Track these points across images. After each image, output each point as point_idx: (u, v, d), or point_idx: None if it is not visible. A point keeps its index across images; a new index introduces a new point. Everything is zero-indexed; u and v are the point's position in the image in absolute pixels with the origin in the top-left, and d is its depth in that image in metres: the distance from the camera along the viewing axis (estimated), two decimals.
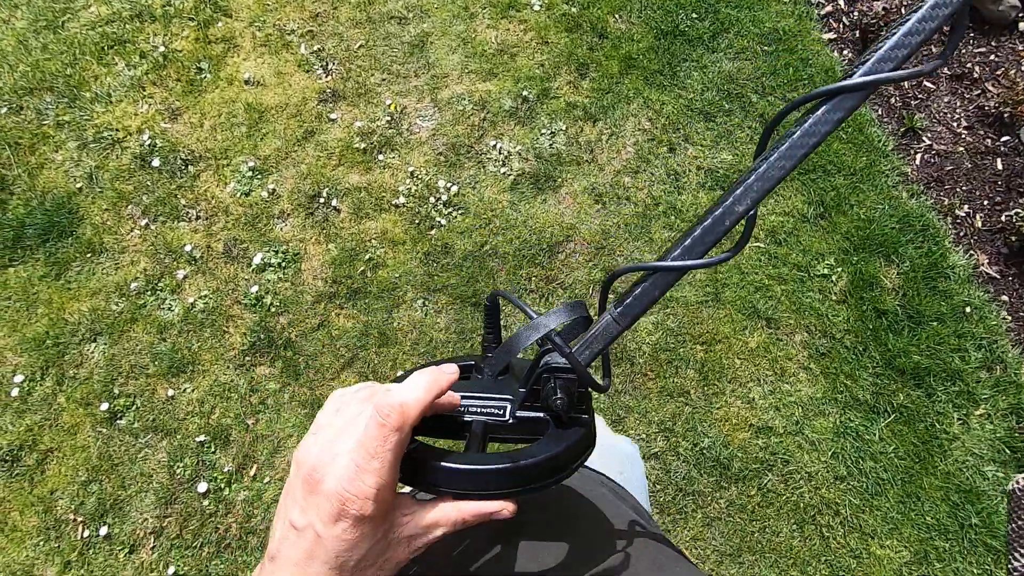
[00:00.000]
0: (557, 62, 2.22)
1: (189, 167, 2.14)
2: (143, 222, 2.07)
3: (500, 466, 0.36)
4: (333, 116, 2.18)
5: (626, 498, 0.71)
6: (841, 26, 2.26)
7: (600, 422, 1.36)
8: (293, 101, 2.21)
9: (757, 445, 1.69)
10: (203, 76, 2.27)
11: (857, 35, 2.22)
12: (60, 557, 1.68)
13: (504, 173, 2.07)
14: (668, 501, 1.65)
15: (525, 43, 2.27)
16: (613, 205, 2.00)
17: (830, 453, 1.66)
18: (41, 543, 1.70)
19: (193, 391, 1.84)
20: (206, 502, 1.71)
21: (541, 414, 0.40)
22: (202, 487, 1.71)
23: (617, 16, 2.29)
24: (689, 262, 0.35)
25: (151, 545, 1.69)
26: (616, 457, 0.89)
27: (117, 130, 2.19)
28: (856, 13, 2.25)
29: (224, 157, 2.14)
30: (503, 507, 0.37)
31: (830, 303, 1.82)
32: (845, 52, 2.21)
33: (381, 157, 2.11)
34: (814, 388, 1.73)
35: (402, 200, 2.04)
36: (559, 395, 0.38)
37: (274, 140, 2.16)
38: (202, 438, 1.77)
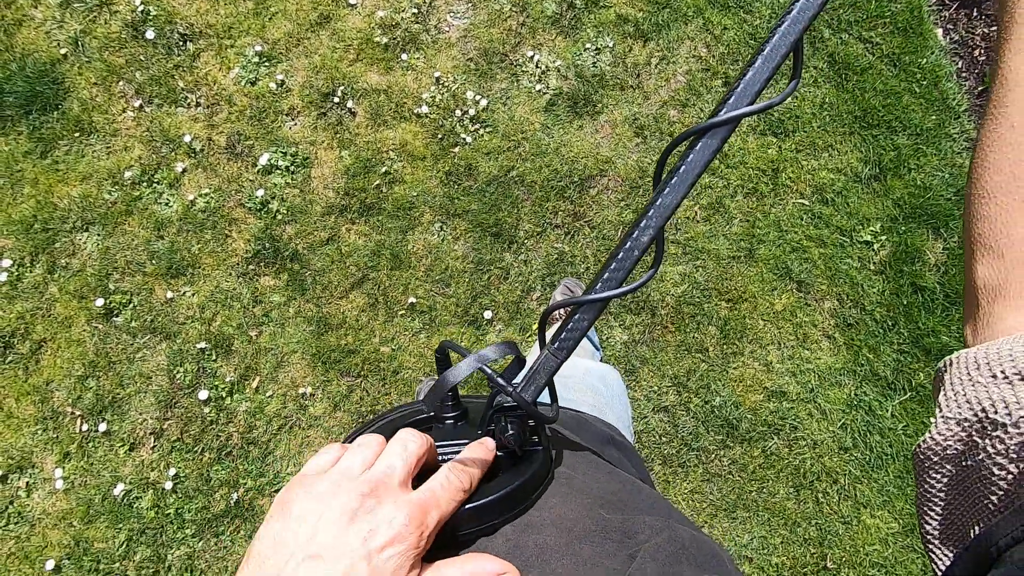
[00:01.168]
0: None
1: (188, 44, 1.90)
2: (136, 103, 1.87)
3: (475, 504, 0.38)
4: (352, 1, 1.92)
5: (586, 429, 0.71)
6: None
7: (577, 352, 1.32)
8: None
9: (768, 408, 1.67)
10: None
11: None
12: (59, 447, 1.68)
13: (539, 91, 1.87)
14: (672, 454, 1.65)
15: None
16: (654, 140, 1.84)
17: (839, 424, 1.65)
18: (39, 432, 1.68)
19: (193, 295, 1.76)
20: (207, 409, 1.69)
21: (498, 453, 0.42)
22: (203, 394, 1.67)
23: None
24: (612, 292, 0.40)
25: (151, 445, 1.68)
26: (586, 387, 0.91)
27: None
28: None
29: (228, 36, 1.90)
30: (504, 569, 0.34)
31: (867, 273, 1.74)
32: None
33: (404, 56, 1.89)
34: (834, 358, 1.70)
35: (425, 109, 1.85)
36: (511, 431, 0.40)
37: (284, 22, 1.91)
38: (203, 345, 1.71)
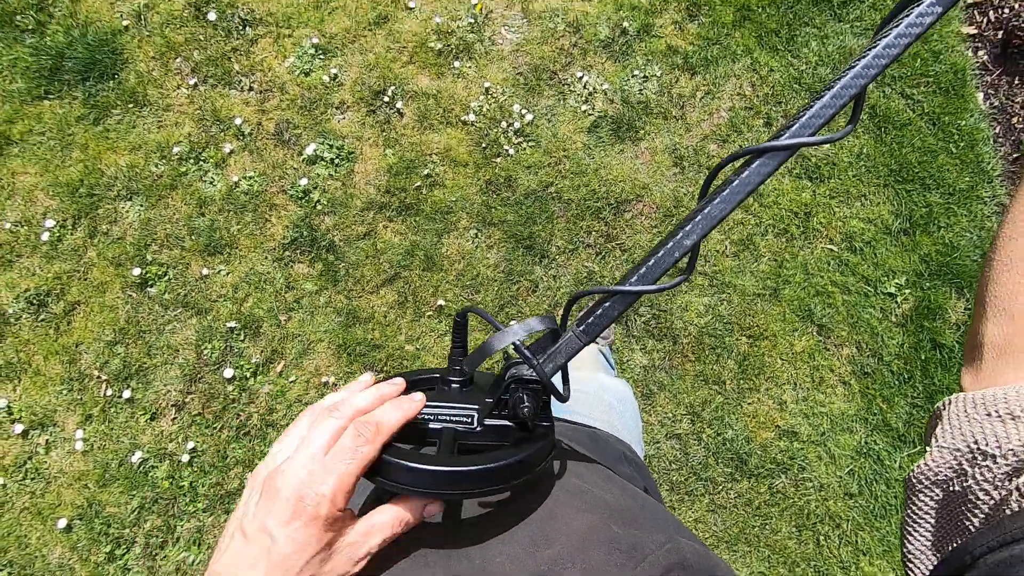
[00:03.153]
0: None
1: (247, 28, 1.95)
2: (191, 81, 1.91)
3: (476, 468, 0.39)
4: (411, 3, 1.96)
5: (598, 442, 0.73)
6: (985, 21, 2.02)
7: (587, 363, 1.36)
8: None
9: (778, 446, 1.70)
10: None
11: (1000, 36, 2.00)
12: (82, 409, 1.71)
13: (585, 111, 1.91)
14: (680, 481, 1.68)
15: None
16: (692, 172, 1.87)
17: (847, 469, 1.68)
18: (64, 391, 1.72)
19: (228, 274, 1.80)
20: (230, 387, 1.72)
21: (507, 422, 0.43)
22: (228, 372, 1.71)
23: None
24: (645, 287, 0.40)
25: (172, 416, 1.71)
26: (602, 404, 0.93)
27: None
28: (1006, 9, 2.00)
29: (287, 26, 1.95)
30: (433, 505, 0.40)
31: (888, 324, 1.77)
32: (981, 53, 2.00)
33: (457, 64, 1.93)
34: (848, 404, 1.72)
35: (472, 117, 1.89)
36: (526, 403, 0.42)
37: (343, 18, 1.96)
38: (232, 324, 1.75)
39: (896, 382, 1.72)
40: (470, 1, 1.97)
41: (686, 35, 1.96)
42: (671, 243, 0.40)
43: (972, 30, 2.02)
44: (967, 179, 1.86)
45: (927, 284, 1.78)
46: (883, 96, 1.91)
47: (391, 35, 1.95)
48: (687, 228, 0.39)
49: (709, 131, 1.91)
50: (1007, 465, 0.29)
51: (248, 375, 1.73)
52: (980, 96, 1.96)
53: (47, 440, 1.69)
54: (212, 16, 1.93)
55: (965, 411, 0.33)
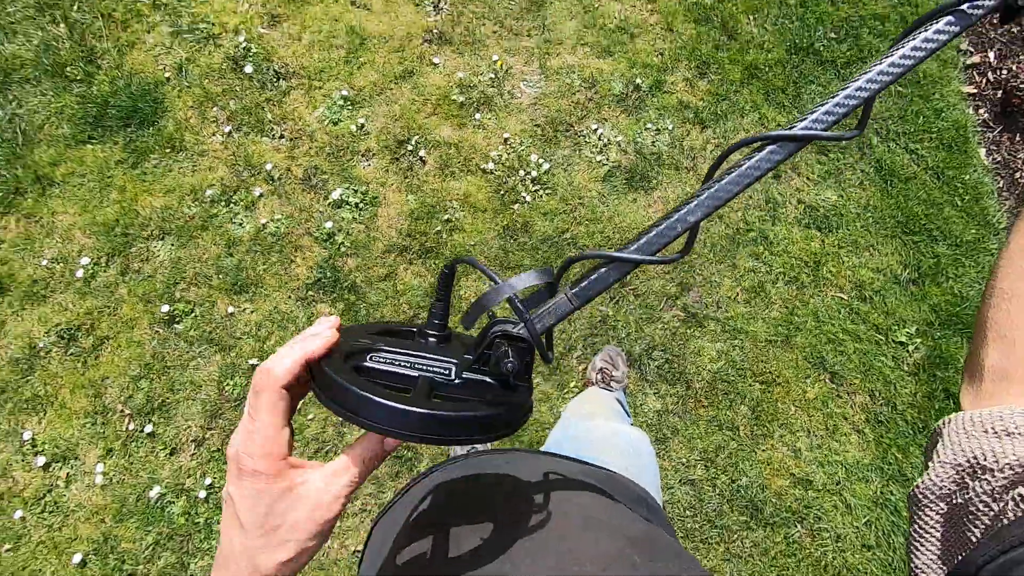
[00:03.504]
0: (678, 54, 2.09)
1: (281, 81, 2.07)
2: (226, 128, 2.02)
3: (460, 414, 0.38)
4: (436, 60, 2.08)
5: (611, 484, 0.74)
6: (985, 81, 2.11)
7: (604, 411, 1.37)
8: (398, 34, 2.11)
9: (793, 495, 1.69)
10: None
11: (999, 95, 2.08)
12: (104, 443, 1.74)
13: (599, 161, 1.99)
14: (695, 529, 1.67)
15: (649, 26, 2.14)
16: (703, 221, 1.93)
17: (864, 520, 1.66)
18: (88, 425, 1.75)
19: (252, 312, 1.85)
20: None
21: (487, 378, 0.42)
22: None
23: (751, 17, 2.15)
24: (642, 257, 0.40)
25: (191, 452, 1.74)
26: (618, 451, 0.94)
27: (213, 24, 2.11)
28: (1004, 71, 2.09)
29: (318, 79, 2.07)
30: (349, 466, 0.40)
31: (900, 373, 1.78)
32: (982, 112, 2.08)
33: (478, 116, 2.03)
34: (863, 453, 1.72)
35: (491, 166, 1.97)
36: (511, 359, 0.40)
37: (371, 72, 2.07)
38: (255, 361, 1.79)
39: (911, 431, 1.72)
40: (491, 57, 2.09)
41: (696, 91, 2.06)
42: (674, 217, 0.40)
43: (972, 89, 2.11)
44: (973, 231, 1.90)
45: (938, 334, 1.80)
46: (888, 151, 1.99)
47: (416, 88, 2.06)
48: (691, 205, 0.40)
49: None
50: (1004, 478, 0.32)
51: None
52: (983, 152, 2.03)
53: (67, 473, 1.72)
54: (248, 69, 2.06)
55: (964, 428, 0.35)
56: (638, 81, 2.06)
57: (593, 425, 1.08)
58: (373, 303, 1.85)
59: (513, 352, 0.40)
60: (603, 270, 0.41)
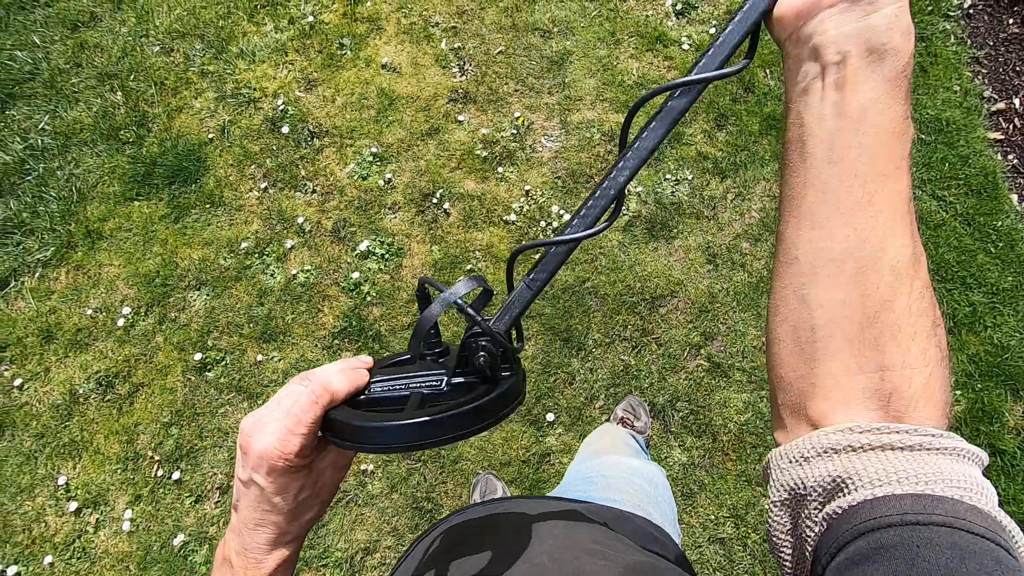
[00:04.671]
0: (696, 107, 2.14)
1: (315, 140, 2.19)
2: (263, 185, 2.13)
3: (445, 414, 0.41)
4: (461, 118, 2.18)
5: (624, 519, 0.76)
6: (1011, 128, 2.09)
7: (615, 447, 1.33)
8: (425, 95, 2.22)
9: None
10: (344, 52, 2.31)
11: None
12: (133, 489, 1.77)
13: (620, 213, 2.02)
14: None
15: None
16: (726, 269, 1.93)
17: None
18: (119, 471, 1.79)
19: (280, 360, 1.90)
20: None
21: (472, 378, 0.45)
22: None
23: (768, 71, 2.19)
24: (579, 234, 0.42)
25: (216, 499, 1.76)
26: (632, 487, 0.93)
27: (255, 89, 2.26)
28: None
29: (349, 137, 2.18)
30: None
31: None
32: (1011, 157, 2.05)
33: (500, 169, 2.10)
34: None
35: (513, 217, 2.02)
36: (482, 353, 0.43)
37: (399, 130, 2.18)
38: None
39: None
40: (513, 114, 2.18)
41: (715, 143, 2.09)
42: (606, 182, 0.42)
43: (999, 136, 2.08)
44: (1010, 279, 1.84)
45: (979, 385, 1.72)
46: (914, 197, 1.96)
47: (441, 144, 2.15)
48: (619, 166, 0.42)
49: (741, 230, 1.98)
50: (814, 500, 0.35)
51: None
52: (1015, 198, 1.99)
53: (97, 519, 1.75)
54: (285, 129, 2.19)
55: (778, 465, 0.38)
56: None
57: (606, 462, 1.07)
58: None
59: (483, 348, 0.43)
60: (548, 253, 0.44)
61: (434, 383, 0.45)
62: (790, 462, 0.37)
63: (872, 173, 0.37)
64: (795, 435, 0.39)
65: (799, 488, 0.36)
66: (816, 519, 0.35)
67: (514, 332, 0.47)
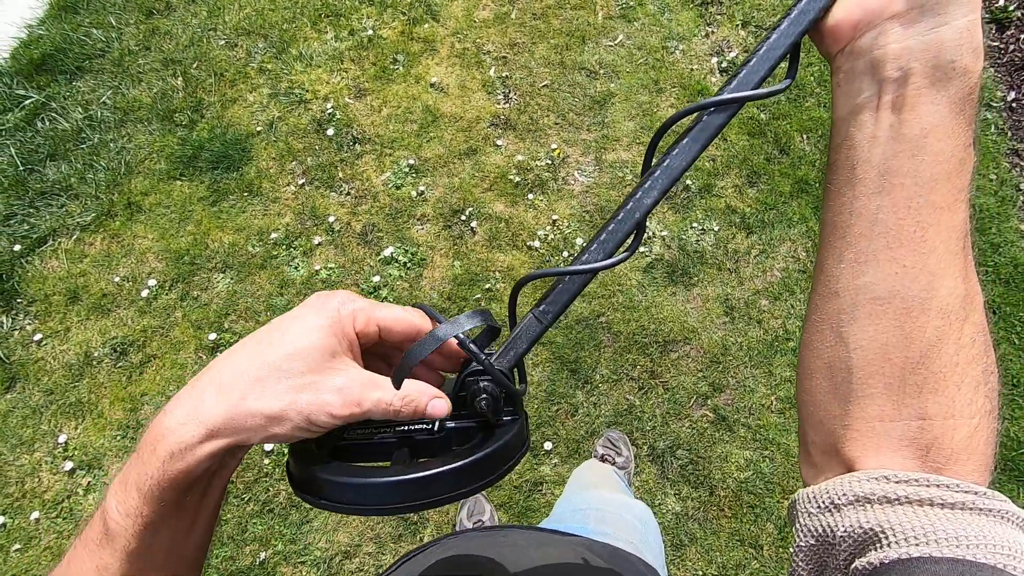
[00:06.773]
0: (729, 162, 2.18)
1: (356, 145, 2.26)
2: (300, 181, 2.20)
3: (434, 471, 0.35)
4: (499, 142, 2.24)
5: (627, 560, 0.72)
6: None
7: (608, 483, 1.30)
8: (468, 116, 2.29)
9: None
10: (396, 67, 2.40)
11: None
12: (127, 457, 1.79)
13: (643, 252, 2.04)
14: None
15: None
16: (742, 323, 1.92)
17: None
18: (118, 437, 1.82)
19: None
20: (266, 460, 1.77)
21: (470, 423, 0.40)
22: (268, 446, 1.77)
23: (805, 136, 2.22)
24: (596, 264, 0.38)
25: None
26: (625, 524, 0.91)
27: (307, 91, 2.36)
28: None
29: (389, 147, 2.25)
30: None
31: None
32: None
33: (530, 196, 2.14)
34: None
35: (537, 244, 2.05)
36: (484, 395, 0.38)
37: (438, 146, 2.24)
38: None
39: None
40: (550, 146, 2.23)
41: (745, 198, 2.12)
42: (631, 204, 0.37)
43: None
44: None
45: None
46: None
47: (477, 165, 2.21)
48: (647, 186, 0.37)
49: (762, 287, 1.98)
50: (844, 551, 0.33)
51: (286, 451, 1.78)
52: None
53: (88, 482, 1.77)
54: (330, 132, 2.27)
55: (806, 509, 0.36)
56: (688, 182, 2.13)
57: (598, 496, 1.06)
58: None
59: (486, 388, 0.38)
60: (561, 286, 0.39)
61: (425, 427, 0.39)
62: (819, 507, 0.35)
63: (927, 205, 0.33)
64: (825, 475, 0.37)
65: (828, 536, 0.34)
66: (846, 571, 0.33)
67: (515, 372, 0.41)
